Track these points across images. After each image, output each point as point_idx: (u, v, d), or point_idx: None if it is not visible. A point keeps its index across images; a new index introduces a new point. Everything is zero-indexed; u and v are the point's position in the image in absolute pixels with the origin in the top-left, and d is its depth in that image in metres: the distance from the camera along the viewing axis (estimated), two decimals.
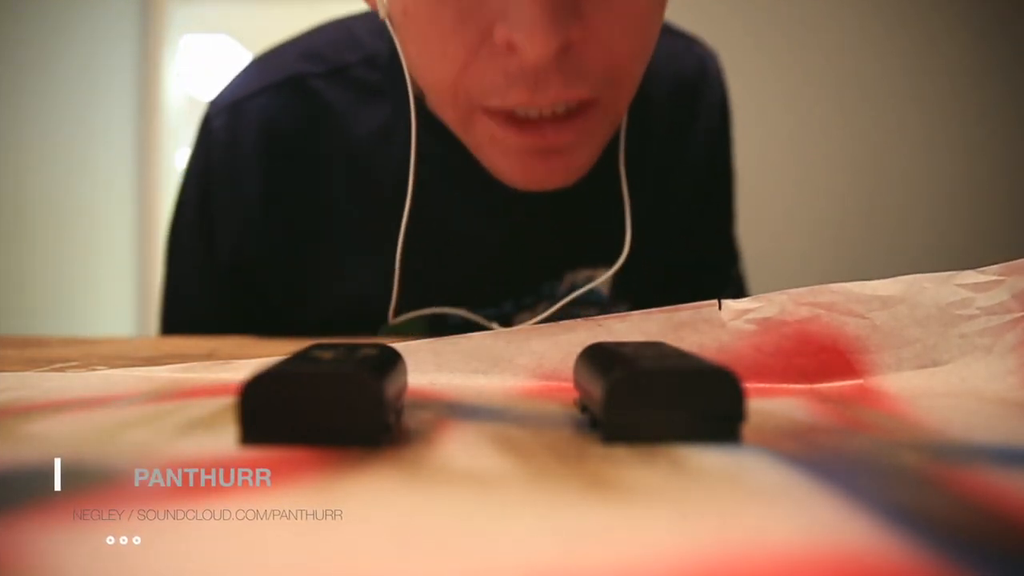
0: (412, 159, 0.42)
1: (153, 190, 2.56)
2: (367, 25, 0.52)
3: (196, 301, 0.55)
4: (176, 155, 2.68)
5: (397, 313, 0.47)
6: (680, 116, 0.56)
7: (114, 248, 2.45)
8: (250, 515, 0.12)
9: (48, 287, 2.12)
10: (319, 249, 0.53)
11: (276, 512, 0.13)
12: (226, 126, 0.51)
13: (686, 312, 0.27)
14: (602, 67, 0.38)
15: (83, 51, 2.25)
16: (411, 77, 0.42)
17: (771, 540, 0.11)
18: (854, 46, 1.90)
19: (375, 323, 0.50)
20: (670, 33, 0.55)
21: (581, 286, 0.53)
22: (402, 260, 0.44)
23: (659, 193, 0.56)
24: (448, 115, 0.41)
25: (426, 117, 0.44)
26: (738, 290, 0.62)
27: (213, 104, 0.53)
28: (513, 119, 0.39)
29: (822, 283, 0.27)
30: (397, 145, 0.46)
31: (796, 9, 1.90)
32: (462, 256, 0.52)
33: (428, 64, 0.39)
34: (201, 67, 3.67)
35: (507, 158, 0.41)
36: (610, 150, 0.46)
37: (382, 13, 0.40)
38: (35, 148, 2.07)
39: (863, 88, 1.90)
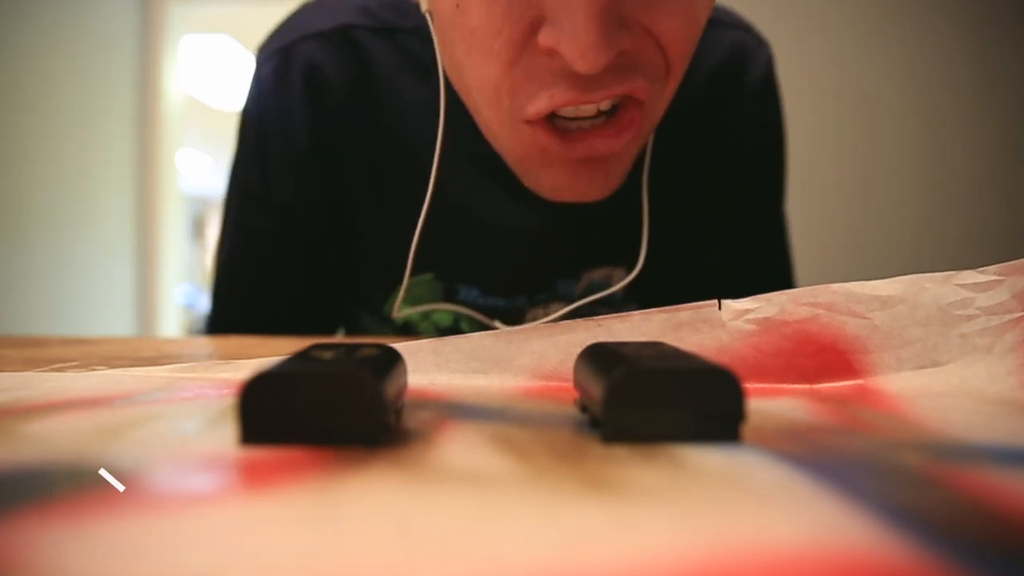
0: (439, 141, 0.42)
1: (153, 190, 2.56)
2: None
3: (261, 244, 0.55)
4: (176, 155, 2.68)
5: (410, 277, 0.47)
6: (711, 110, 0.55)
7: (114, 248, 2.45)
8: (249, 515, 0.12)
9: (48, 287, 2.12)
10: (363, 198, 0.53)
11: (276, 512, 0.13)
12: (275, 71, 0.52)
13: (686, 312, 0.27)
14: (653, 64, 0.37)
15: (83, 51, 2.25)
16: (449, 77, 0.42)
17: (771, 540, 0.11)
18: (854, 46, 1.90)
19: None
20: (712, 22, 0.54)
21: (597, 285, 0.54)
22: (419, 239, 0.44)
23: (686, 195, 0.56)
24: (491, 118, 0.40)
25: (463, 107, 0.44)
26: None
27: (262, 51, 0.54)
28: (557, 130, 0.38)
29: (822, 283, 0.27)
30: (437, 127, 0.45)
31: (794, 8, 1.90)
32: (482, 243, 0.53)
33: (475, 62, 0.38)
34: (201, 67, 3.67)
35: (550, 170, 0.41)
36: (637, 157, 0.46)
37: (423, 6, 0.39)
38: (35, 148, 2.07)
39: (863, 88, 1.90)
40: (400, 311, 0.49)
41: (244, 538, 0.11)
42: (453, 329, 0.55)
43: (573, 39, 0.33)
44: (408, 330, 0.56)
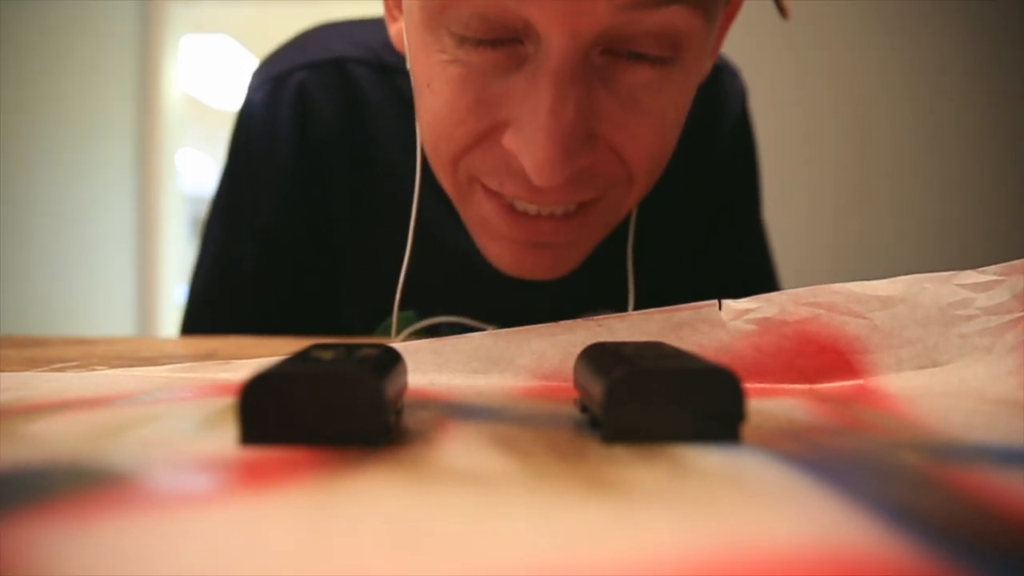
0: (416, 189, 0.42)
1: (153, 190, 2.56)
2: None
3: (242, 265, 0.54)
4: (176, 155, 2.68)
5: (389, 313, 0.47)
6: (691, 148, 0.54)
7: (114, 248, 2.45)
8: (250, 515, 0.12)
9: (48, 287, 2.12)
10: (345, 228, 0.53)
11: (276, 512, 0.13)
12: (266, 98, 0.52)
13: (686, 312, 0.27)
14: (613, 175, 0.37)
15: (83, 51, 2.25)
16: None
17: (771, 540, 0.11)
18: (853, 46, 1.90)
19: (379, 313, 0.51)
20: None
21: None
22: (406, 278, 0.43)
23: (670, 233, 0.56)
24: (446, 186, 0.40)
25: None
26: None
27: (255, 78, 0.54)
28: (511, 209, 0.38)
29: (822, 283, 0.27)
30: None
31: (793, 8, 1.89)
32: (462, 282, 0.52)
33: (436, 138, 0.38)
34: (201, 67, 3.67)
35: (496, 243, 0.40)
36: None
37: (408, 63, 0.38)
38: (35, 148, 2.07)
39: (863, 87, 1.90)
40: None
41: (244, 538, 0.11)
42: None
43: (533, 154, 0.33)
44: None
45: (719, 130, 0.57)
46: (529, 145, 0.33)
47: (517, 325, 0.54)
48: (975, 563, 0.10)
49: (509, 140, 0.34)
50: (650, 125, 0.36)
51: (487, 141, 0.36)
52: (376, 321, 0.53)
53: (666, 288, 0.57)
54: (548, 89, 0.32)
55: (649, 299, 0.52)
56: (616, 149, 0.36)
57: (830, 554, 0.11)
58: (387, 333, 0.52)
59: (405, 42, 0.39)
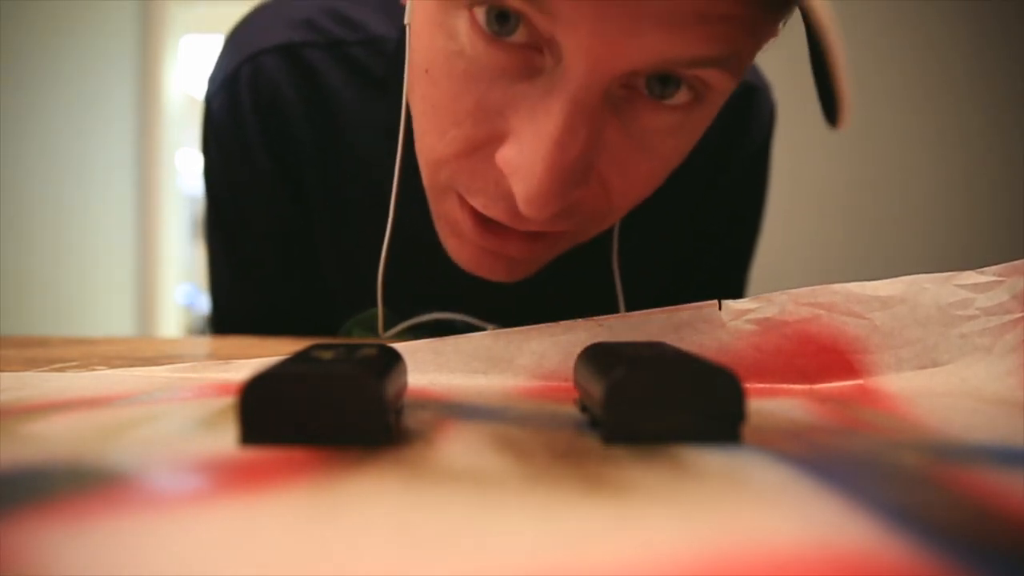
0: (396, 175, 0.40)
1: (153, 190, 2.57)
2: (363, 4, 0.50)
3: (266, 263, 0.54)
4: (176, 155, 2.69)
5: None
6: (703, 166, 0.51)
7: (114, 249, 2.45)
8: (250, 515, 0.12)
9: (48, 287, 2.12)
10: (320, 219, 0.52)
11: (276, 512, 0.13)
12: (225, 106, 0.50)
13: (686, 312, 0.27)
14: (595, 209, 0.35)
15: (83, 51, 2.25)
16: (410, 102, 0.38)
17: (771, 540, 0.11)
18: (853, 45, 1.90)
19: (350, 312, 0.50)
20: None
21: None
22: (373, 270, 0.43)
23: (663, 252, 0.55)
24: (423, 178, 0.38)
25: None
26: None
27: (210, 84, 0.53)
28: (481, 219, 0.35)
29: (822, 283, 0.27)
30: (394, 148, 0.42)
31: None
32: (436, 278, 0.50)
33: (427, 129, 0.35)
34: (201, 67, 3.67)
35: (458, 241, 0.38)
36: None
37: (406, 18, 0.35)
38: (35, 148, 2.07)
39: (862, 87, 1.90)
40: (385, 334, 0.48)
41: (243, 538, 0.11)
42: None
43: (527, 183, 0.30)
44: None
45: (738, 155, 0.54)
46: (525, 173, 0.30)
47: (495, 317, 0.52)
48: (975, 563, 0.10)
49: (503, 158, 0.31)
50: (652, 168, 0.34)
51: (480, 152, 0.33)
52: (347, 313, 0.52)
53: (652, 296, 0.56)
54: (560, 116, 0.29)
55: (635, 305, 0.51)
56: (605, 183, 0.33)
57: (830, 554, 0.11)
58: (361, 329, 0.51)
59: (408, 1, 0.35)
